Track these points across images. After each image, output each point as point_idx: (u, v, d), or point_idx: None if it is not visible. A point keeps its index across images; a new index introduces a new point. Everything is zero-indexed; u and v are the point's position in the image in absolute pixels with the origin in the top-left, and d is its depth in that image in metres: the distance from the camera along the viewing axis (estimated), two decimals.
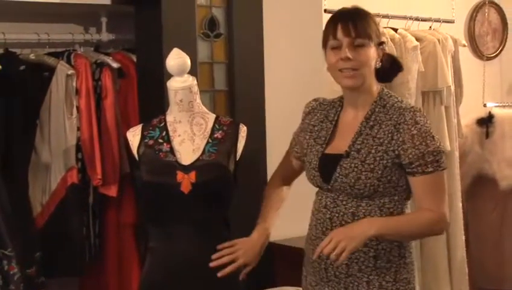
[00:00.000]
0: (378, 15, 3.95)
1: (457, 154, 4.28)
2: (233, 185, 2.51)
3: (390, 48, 3.85)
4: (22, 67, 3.14)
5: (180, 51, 2.54)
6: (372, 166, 2.21)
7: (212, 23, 3.28)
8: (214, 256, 2.37)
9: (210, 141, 2.51)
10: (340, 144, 2.30)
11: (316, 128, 2.40)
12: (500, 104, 4.83)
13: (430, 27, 4.29)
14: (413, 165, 2.21)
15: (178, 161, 2.46)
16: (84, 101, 3.18)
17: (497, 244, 4.62)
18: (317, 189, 2.41)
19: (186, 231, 2.45)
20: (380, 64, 2.30)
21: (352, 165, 2.23)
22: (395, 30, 4.04)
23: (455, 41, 4.28)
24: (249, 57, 3.34)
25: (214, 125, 2.55)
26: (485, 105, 4.77)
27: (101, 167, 3.17)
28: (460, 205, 4.29)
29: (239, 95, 3.30)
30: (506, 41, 5.14)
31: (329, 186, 2.28)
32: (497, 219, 4.64)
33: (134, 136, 2.56)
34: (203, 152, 2.49)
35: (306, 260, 2.42)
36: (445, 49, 4.15)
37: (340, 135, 2.34)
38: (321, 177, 2.30)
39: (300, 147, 2.47)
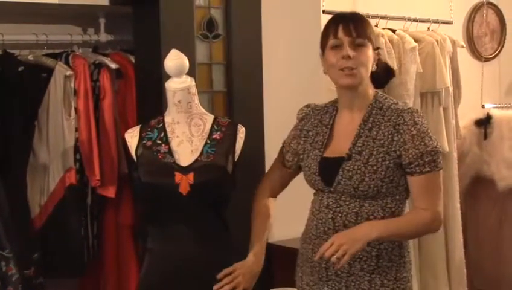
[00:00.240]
0: (376, 16, 3.96)
1: (455, 155, 4.28)
2: (231, 186, 2.52)
3: (388, 49, 3.85)
4: (20, 68, 3.14)
5: (179, 52, 2.54)
6: (375, 167, 2.24)
7: (210, 24, 3.28)
8: (215, 287, 2.38)
9: (208, 142, 2.51)
10: (338, 147, 2.33)
11: (310, 134, 2.42)
12: (499, 105, 4.84)
13: (429, 28, 4.29)
14: (412, 165, 2.25)
15: (176, 162, 2.47)
16: (83, 102, 3.18)
17: (496, 245, 4.62)
18: (314, 190, 2.42)
19: (184, 232, 2.45)
20: (376, 68, 2.33)
21: (355, 167, 2.26)
22: (394, 31, 4.04)
23: (453, 43, 4.28)
24: (248, 58, 3.34)
25: (212, 126, 2.55)
26: (483, 106, 4.77)
27: (99, 168, 3.17)
28: (459, 206, 4.29)
29: (237, 96, 3.30)
30: (504, 42, 5.14)
31: (332, 189, 2.30)
32: (495, 220, 4.64)
33: (132, 137, 2.56)
34: (202, 153, 2.49)
35: (302, 259, 2.43)
36: (443, 50, 4.15)
37: (337, 138, 2.36)
38: (322, 180, 2.32)
39: (292, 155, 2.49)
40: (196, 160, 2.47)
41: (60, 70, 3.15)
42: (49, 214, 3.14)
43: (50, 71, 3.16)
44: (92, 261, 3.28)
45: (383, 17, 4.03)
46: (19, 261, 2.88)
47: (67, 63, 3.21)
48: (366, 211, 2.27)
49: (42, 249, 3.06)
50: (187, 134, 2.53)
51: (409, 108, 2.32)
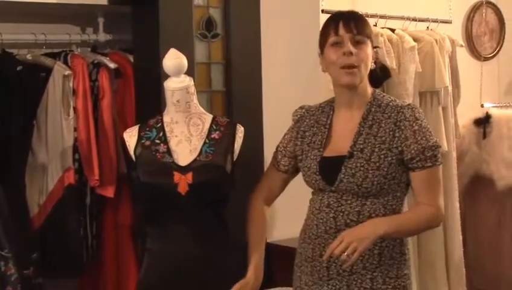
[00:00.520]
0: (375, 15, 3.96)
1: (454, 154, 4.28)
2: (230, 186, 2.51)
3: (387, 49, 3.85)
4: (19, 68, 3.13)
5: (177, 52, 2.54)
6: (377, 164, 2.26)
7: (209, 23, 3.28)
8: None
9: (207, 141, 2.51)
10: (338, 146, 2.33)
11: (307, 134, 2.42)
12: (498, 105, 4.84)
13: (428, 27, 4.29)
14: (414, 161, 2.27)
15: (175, 162, 2.46)
16: (81, 101, 3.18)
17: (495, 244, 4.62)
18: (312, 190, 2.42)
19: (183, 231, 2.45)
20: (374, 66, 2.33)
21: (358, 164, 2.26)
22: (393, 30, 4.04)
23: (452, 42, 4.28)
24: (247, 57, 3.33)
25: (211, 126, 2.55)
26: (482, 105, 4.77)
27: (98, 168, 3.16)
28: (458, 205, 4.29)
29: (236, 96, 3.30)
30: (503, 41, 5.15)
31: (333, 188, 2.30)
32: (494, 219, 4.64)
33: (131, 137, 2.55)
34: (200, 153, 2.49)
35: (301, 259, 2.42)
36: (442, 49, 4.15)
37: (336, 137, 2.36)
38: (323, 180, 2.32)
39: (289, 159, 2.49)
40: (195, 160, 2.47)
41: (59, 69, 3.14)
42: (48, 214, 3.13)
43: (49, 71, 3.15)
44: (91, 261, 3.28)
45: (382, 17, 4.03)
46: (18, 261, 2.88)
47: (66, 62, 3.20)
48: (368, 209, 2.28)
49: (41, 249, 3.06)
50: (186, 134, 2.53)
51: (409, 104, 2.34)
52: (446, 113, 4.20)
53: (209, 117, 2.58)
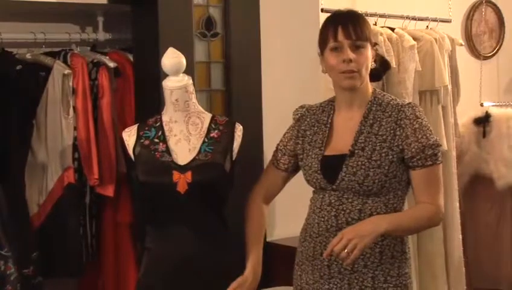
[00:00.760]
0: (375, 14, 3.96)
1: (454, 153, 4.29)
2: (229, 185, 2.51)
3: (387, 48, 3.85)
4: (19, 67, 3.13)
5: (176, 51, 2.53)
6: (379, 162, 2.26)
7: (209, 22, 3.28)
8: None
9: (206, 140, 2.51)
10: (339, 145, 2.34)
11: (308, 133, 2.42)
12: (497, 104, 4.84)
13: (427, 26, 4.29)
14: (414, 159, 2.28)
15: (174, 161, 2.46)
16: (81, 100, 3.17)
17: (494, 244, 4.62)
18: (312, 189, 2.42)
19: (183, 230, 2.45)
20: (374, 64, 2.34)
21: (359, 163, 2.27)
22: (392, 29, 4.04)
23: (452, 41, 4.28)
24: (246, 56, 3.33)
25: (210, 125, 2.54)
26: (482, 104, 4.78)
27: (97, 167, 3.16)
28: (458, 204, 4.29)
29: (236, 95, 3.30)
30: (503, 40, 5.15)
31: (334, 186, 2.30)
32: (494, 218, 4.64)
33: (130, 136, 2.55)
34: (199, 152, 2.49)
35: (301, 258, 2.43)
36: (442, 48, 4.15)
37: (337, 136, 2.37)
38: (324, 178, 2.32)
39: (289, 157, 2.49)
40: (194, 159, 2.47)
41: (58, 69, 3.14)
42: (48, 213, 3.13)
43: (48, 70, 3.15)
44: (90, 261, 3.28)
45: (381, 16, 4.03)
46: (18, 260, 2.88)
47: (65, 61, 3.20)
48: (369, 207, 2.29)
49: (41, 248, 3.06)
50: (185, 133, 2.53)
51: (409, 103, 2.35)
52: (446, 112, 4.20)
53: (208, 116, 2.58)
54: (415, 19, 4.22)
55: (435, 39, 4.13)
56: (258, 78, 3.38)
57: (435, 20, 4.30)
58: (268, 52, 3.40)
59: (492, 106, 4.76)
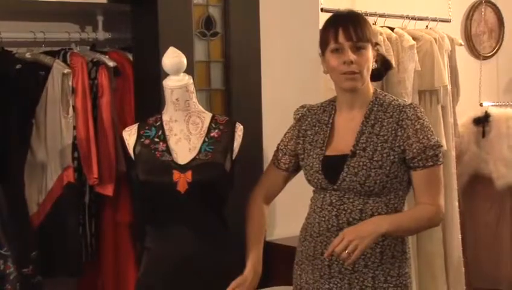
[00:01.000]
0: (375, 14, 3.96)
1: (453, 153, 4.29)
2: (229, 184, 2.51)
3: (386, 47, 3.85)
4: (18, 66, 3.13)
5: (176, 50, 2.53)
6: (380, 163, 2.26)
7: (208, 21, 3.27)
8: None
9: (206, 140, 2.51)
10: (341, 145, 2.34)
11: (309, 133, 2.42)
12: (497, 104, 4.85)
13: (427, 26, 4.30)
14: (415, 160, 2.28)
15: (174, 160, 2.46)
16: (81, 100, 3.17)
17: (494, 243, 4.63)
18: (313, 188, 2.42)
19: (183, 230, 2.45)
20: (375, 65, 2.34)
21: (361, 163, 2.27)
22: (392, 29, 4.04)
23: (452, 41, 4.29)
24: (246, 55, 3.33)
25: (210, 124, 2.54)
26: (481, 104, 4.78)
27: (97, 166, 3.16)
28: (457, 204, 4.30)
29: (236, 94, 3.30)
30: (502, 40, 5.15)
31: (335, 186, 2.30)
32: (493, 218, 4.64)
33: (130, 135, 2.55)
34: (200, 151, 2.48)
35: (301, 257, 2.43)
36: (441, 48, 4.15)
37: (339, 136, 2.37)
38: (326, 178, 2.32)
39: (289, 157, 2.49)
40: (194, 158, 2.47)
41: (58, 68, 3.14)
42: (47, 212, 3.13)
43: (48, 69, 3.15)
44: (90, 260, 3.27)
45: (381, 15, 4.03)
46: (17, 259, 2.87)
47: (65, 61, 3.20)
48: (370, 207, 2.29)
49: (40, 248, 3.06)
50: (185, 132, 2.53)
51: (411, 103, 2.35)
52: (445, 112, 4.20)
53: (208, 116, 2.58)
54: (415, 19, 4.22)
55: (435, 39, 4.13)
56: (257, 77, 3.38)
57: (434, 20, 4.31)
58: (268, 51, 3.40)
59: (492, 105, 4.77)
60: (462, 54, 4.68)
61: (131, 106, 3.31)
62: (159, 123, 2.55)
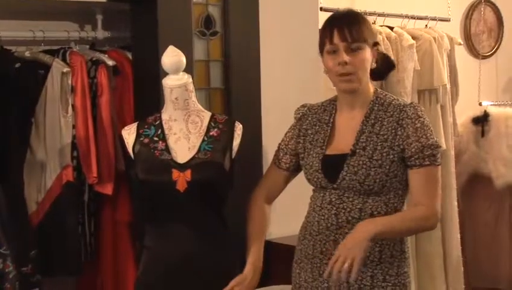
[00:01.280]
0: (374, 13, 3.96)
1: (453, 153, 4.29)
2: (229, 183, 2.51)
3: (386, 46, 3.85)
4: (17, 65, 3.13)
5: (176, 49, 2.53)
6: (380, 162, 2.26)
7: (208, 21, 3.27)
8: None
9: (206, 139, 2.51)
10: (341, 145, 2.34)
11: (309, 132, 2.43)
12: (496, 103, 4.85)
13: (426, 25, 4.30)
14: (412, 158, 2.28)
15: (173, 159, 2.46)
16: (80, 98, 3.17)
17: (493, 243, 4.63)
18: (312, 187, 2.42)
19: (182, 229, 2.45)
20: (375, 65, 2.33)
21: (361, 162, 2.27)
22: (391, 28, 4.04)
23: (451, 40, 4.29)
24: (245, 54, 3.33)
25: (209, 123, 2.54)
26: (480, 104, 4.78)
27: (96, 165, 3.16)
28: (456, 203, 4.30)
29: (235, 93, 3.30)
30: (501, 40, 5.15)
31: (335, 185, 2.30)
32: (492, 217, 4.65)
33: (129, 134, 2.55)
34: (199, 150, 2.48)
35: (300, 256, 2.43)
36: (441, 47, 4.15)
37: (339, 136, 2.37)
38: (326, 177, 2.32)
39: (290, 156, 2.49)
40: (193, 157, 2.47)
41: (57, 67, 3.14)
42: (46, 211, 3.13)
43: (47, 68, 3.15)
44: (89, 259, 3.27)
45: (380, 15, 4.03)
46: (16, 258, 2.87)
47: (64, 59, 3.20)
48: (369, 207, 2.29)
49: (39, 247, 3.06)
50: (184, 131, 2.53)
51: (411, 103, 2.35)
52: (444, 111, 4.20)
53: (207, 115, 2.58)
54: (414, 18, 4.22)
55: (434, 38, 4.13)
56: (257, 76, 3.37)
57: (434, 19, 4.30)
58: (267, 50, 3.40)
59: (491, 105, 4.77)
60: (461, 53, 4.68)
61: (131, 104, 3.31)
62: (158, 122, 2.55)
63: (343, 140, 2.34)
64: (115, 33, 3.45)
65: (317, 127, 2.42)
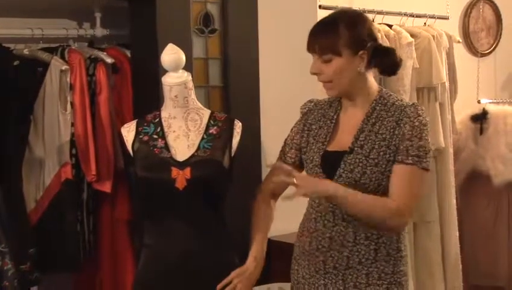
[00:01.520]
0: (373, 11, 3.96)
1: (451, 150, 4.29)
2: (228, 181, 2.51)
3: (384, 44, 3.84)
4: (16, 63, 3.13)
5: (175, 46, 2.53)
6: (376, 160, 2.26)
7: (207, 18, 3.27)
8: None
9: (205, 136, 2.51)
10: (341, 142, 2.34)
11: (314, 127, 2.43)
12: (494, 101, 4.85)
13: (425, 23, 4.29)
14: (399, 155, 2.26)
15: (173, 157, 2.46)
16: (78, 96, 3.17)
17: (491, 240, 4.63)
18: None
19: (181, 227, 2.45)
20: (363, 69, 2.30)
21: (357, 160, 2.27)
22: (390, 26, 4.04)
23: (450, 38, 4.29)
24: (244, 52, 3.33)
25: (208, 121, 2.54)
26: (479, 101, 4.78)
27: (95, 163, 3.16)
28: (454, 201, 4.30)
29: (234, 91, 3.30)
30: (500, 37, 5.15)
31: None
32: (491, 215, 4.65)
33: (129, 132, 2.55)
34: (198, 148, 2.48)
35: (298, 252, 2.43)
36: (439, 45, 4.15)
37: (341, 133, 2.37)
38: (324, 173, 2.32)
39: (296, 151, 2.49)
40: (193, 155, 2.47)
41: (56, 64, 3.14)
42: (45, 209, 3.13)
43: (46, 65, 3.15)
44: (87, 257, 3.27)
45: (379, 12, 4.03)
46: (15, 256, 2.88)
47: (63, 57, 3.20)
48: None
49: (38, 244, 3.06)
50: (184, 129, 2.53)
51: (413, 103, 2.34)
52: (443, 109, 4.20)
53: (207, 112, 2.58)
54: (413, 16, 4.22)
55: (433, 36, 4.13)
56: (256, 74, 3.37)
57: (432, 17, 4.30)
58: (266, 48, 3.40)
59: (490, 102, 4.77)
60: (460, 51, 4.68)
61: (130, 102, 3.31)
62: (157, 120, 2.55)
63: (344, 137, 2.34)
64: (114, 31, 3.44)
65: (321, 123, 2.42)
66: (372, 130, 2.30)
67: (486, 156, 4.55)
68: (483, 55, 5.02)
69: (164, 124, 2.53)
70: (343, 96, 2.35)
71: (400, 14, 4.17)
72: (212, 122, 2.54)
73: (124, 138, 2.56)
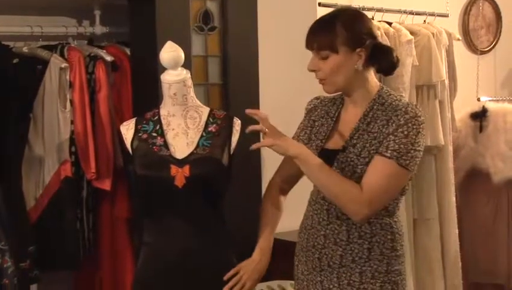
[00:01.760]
0: (372, 8, 3.95)
1: (451, 148, 4.29)
2: (227, 179, 2.51)
3: (384, 42, 3.85)
4: (15, 61, 3.13)
5: (174, 44, 2.53)
6: (367, 159, 2.24)
7: (206, 16, 3.27)
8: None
9: (204, 134, 2.51)
10: (339, 140, 2.34)
11: (316, 124, 2.43)
12: (494, 98, 4.84)
13: (425, 21, 4.29)
14: (380, 146, 2.22)
15: (172, 155, 2.46)
16: (78, 94, 3.17)
17: (491, 238, 4.63)
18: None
19: (180, 225, 2.45)
20: (361, 67, 2.29)
21: (348, 159, 2.26)
22: (390, 24, 4.04)
23: (449, 35, 4.28)
24: (243, 50, 3.33)
25: (208, 119, 2.54)
26: (478, 99, 4.78)
27: (94, 161, 3.16)
28: (454, 199, 4.30)
29: (233, 89, 3.30)
30: (500, 35, 5.15)
31: None
32: (490, 212, 4.65)
33: (128, 129, 2.55)
34: (197, 146, 2.48)
35: (298, 249, 2.44)
36: (439, 43, 4.15)
37: (339, 130, 2.37)
38: None
39: None
40: (192, 153, 2.47)
41: (55, 62, 3.14)
42: (45, 207, 3.13)
43: (45, 63, 3.15)
44: (87, 254, 3.28)
45: (379, 10, 4.02)
46: (15, 253, 2.88)
47: (62, 55, 3.20)
48: None
49: (38, 242, 3.06)
50: (183, 127, 2.53)
51: (409, 103, 2.30)
52: (443, 107, 4.20)
53: (206, 110, 2.58)
54: (413, 14, 4.22)
55: (432, 34, 4.12)
56: (255, 72, 3.37)
57: (432, 14, 4.30)
58: (265, 46, 3.40)
59: (489, 100, 4.77)
60: (459, 48, 4.67)
61: (129, 100, 3.31)
62: (156, 118, 2.54)
63: (341, 135, 2.34)
64: (113, 28, 3.44)
65: (323, 120, 2.42)
66: (366, 130, 2.29)
67: (486, 154, 4.55)
68: (482, 52, 5.02)
69: (163, 121, 2.53)
70: (344, 93, 2.34)
71: (399, 11, 4.16)
72: (211, 120, 2.54)
73: (123, 135, 2.56)
